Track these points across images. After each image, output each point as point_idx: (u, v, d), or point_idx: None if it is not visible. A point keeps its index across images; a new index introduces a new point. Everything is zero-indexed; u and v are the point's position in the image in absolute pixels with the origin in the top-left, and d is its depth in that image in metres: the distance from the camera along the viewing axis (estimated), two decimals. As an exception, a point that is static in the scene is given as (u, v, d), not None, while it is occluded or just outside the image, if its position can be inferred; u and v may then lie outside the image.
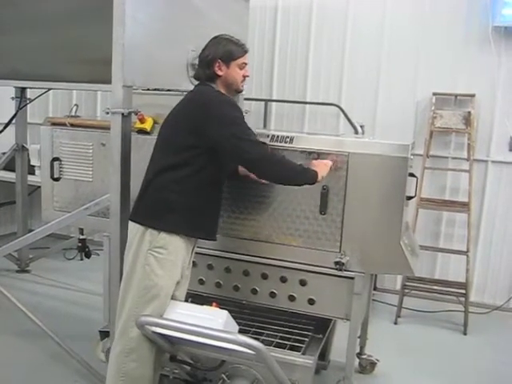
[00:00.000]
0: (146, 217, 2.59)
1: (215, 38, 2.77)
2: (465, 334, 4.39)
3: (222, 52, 2.71)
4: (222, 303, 2.88)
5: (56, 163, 3.42)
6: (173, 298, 2.62)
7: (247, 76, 2.78)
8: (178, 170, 2.56)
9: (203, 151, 2.54)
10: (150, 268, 2.53)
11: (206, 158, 2.56)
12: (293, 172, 2.62)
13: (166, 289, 2.57)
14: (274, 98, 5.42)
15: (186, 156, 2.55)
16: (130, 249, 2.61)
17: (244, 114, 2.72)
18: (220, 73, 2.70)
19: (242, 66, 2.74)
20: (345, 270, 2.82)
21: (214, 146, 2.53)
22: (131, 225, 2.65)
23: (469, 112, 4.67)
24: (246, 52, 2.77)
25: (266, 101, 5.37)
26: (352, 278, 2.83)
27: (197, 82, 2.80)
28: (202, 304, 2.71)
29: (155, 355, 2.62)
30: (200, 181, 2.58)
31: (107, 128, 2.95)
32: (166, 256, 2.54)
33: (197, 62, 2.79)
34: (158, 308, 2.55)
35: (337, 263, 2.81)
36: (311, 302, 2.93)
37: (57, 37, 3.29)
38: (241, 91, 2.82)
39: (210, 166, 2.58)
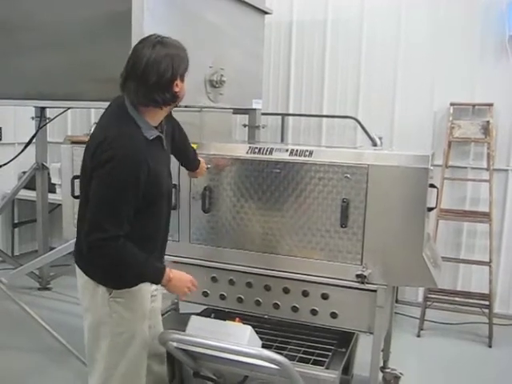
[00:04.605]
0: (97, 274, 2.30)
1: (150, 40, 2.23)
2: (490, 346, 4.33)
3: (183, 65, 2.23)
4: (244, 318, 2.87)
5: (77, 181, 3.45)
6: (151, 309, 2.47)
7: None
8: None
9: None
10: (118, 315, 2.30)
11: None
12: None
13: (140, 331, 2.38)
14: (291, 112, 5.44)
15: None
16: (88, 295, 2.34)
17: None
18: (179, 93, 2.25)
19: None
20: (367, 283, 2.79)
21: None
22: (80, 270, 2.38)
23: (487, 121, 4.64)
24: None
25: (283, 115, 5.39)
26: (374, 291, 2.80)
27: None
28: (223, 319, 2.71)
29: None
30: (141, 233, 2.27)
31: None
32: (129, 299, 2.32)
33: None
34: (138, 353, 2.39)
35: (359, 276, 2.79)
36: (333, 315, 2.90)
37: (75, 57, 3.35)
38: None
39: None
